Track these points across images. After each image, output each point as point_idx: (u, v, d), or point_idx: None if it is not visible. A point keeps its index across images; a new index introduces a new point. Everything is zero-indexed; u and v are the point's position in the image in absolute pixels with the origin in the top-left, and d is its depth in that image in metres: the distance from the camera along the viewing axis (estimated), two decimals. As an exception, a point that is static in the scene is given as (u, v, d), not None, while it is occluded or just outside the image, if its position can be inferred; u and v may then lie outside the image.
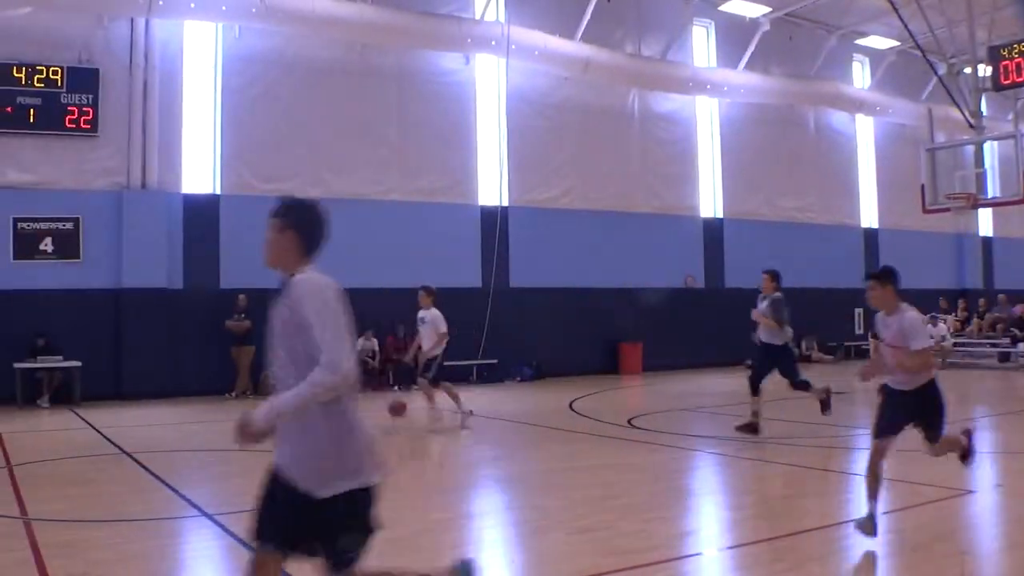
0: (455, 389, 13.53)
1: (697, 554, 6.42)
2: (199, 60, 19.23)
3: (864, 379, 6.61)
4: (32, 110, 17.91)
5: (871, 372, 6.59)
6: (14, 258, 17.79)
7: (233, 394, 18.26)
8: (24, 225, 17.94)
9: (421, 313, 13.05)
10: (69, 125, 18.14)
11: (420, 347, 13.34)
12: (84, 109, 18.19)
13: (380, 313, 19.57)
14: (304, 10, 18.69)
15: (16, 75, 17.79)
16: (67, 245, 18.17)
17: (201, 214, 19.00)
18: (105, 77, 18.28)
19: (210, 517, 7.38)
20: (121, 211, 18.33)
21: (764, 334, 11.12)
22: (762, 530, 6.79)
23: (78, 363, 17.26)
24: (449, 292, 19.64)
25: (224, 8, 18.28)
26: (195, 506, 7.83)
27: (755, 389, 11.21)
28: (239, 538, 6.34)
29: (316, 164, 19.69)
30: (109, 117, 18.29)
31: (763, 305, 11.20)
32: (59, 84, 18.02)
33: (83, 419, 15.05)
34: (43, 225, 18.06)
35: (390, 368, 19.82)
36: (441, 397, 13.53)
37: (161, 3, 17.70)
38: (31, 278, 17.69)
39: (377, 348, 19.76)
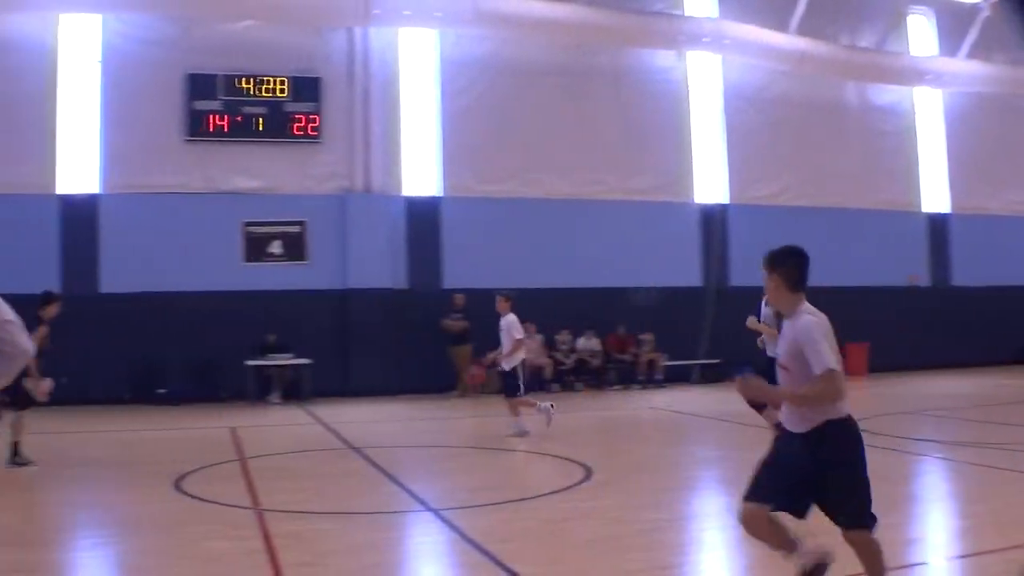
0: (527, 401, 12.34)
1: (922, 564, 5.89)
2: (417, 65, 19.69)
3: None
4: (259, 119, 18.71)
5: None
6: (244, 260, 18.50)
7: (456, 393, 18.28)
8: (253, 229, 18.65)
9: (501, 321, 12.24)
10: (295, 132, 18.87)
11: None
12: (311, 117, 18.85)
13: (600, 312, 19.38)
14: (517, 13, 18.94)
15: (243, 86, 18.65)
16: (295, 247, 18.77)
17: (423, 215, 19.32)
18: (326, 85, 18.95)
19: (435, 512, 7.44)
20: (345, 214, 18.83)
21: (770, 345, 8.99)
22: (992, 540, 6.14)
23: (307, 361, 17.71)
24: (670, 292, 19.36)
25: (439, 15, 18.71)
26: (420, 501, 7.93)
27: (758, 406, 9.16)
28: (463, 533, 6.60)
29: (533, 165, 19.78)
30: (331, 123, 18.92)
31: (767, 310, 9.28)
32: (283, 93, 18.78)
33: (312, 415, 15.40)
34: (271, 228, 18.74)
35: (612, 367, 19.54)
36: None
37: (377, 12, 18.26)
38: (261, 279, 18.34)
39: (599, 347, 19.51)
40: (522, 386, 12.20)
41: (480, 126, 19.49)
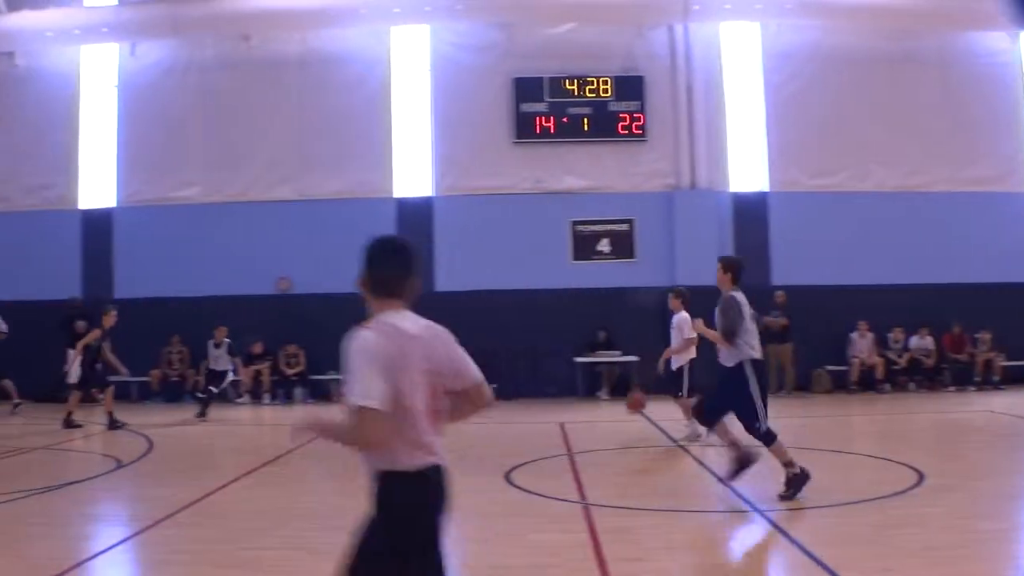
0: (687, 403, 11.66)
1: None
2: (739, 59, 19.74)
3: None
4: (584, 119, 19.16)
5: None
6: (573, 259, 18.93)
7: (783, 391, 17.96)
8: (581, 228, 19.07)
9: (673, 318, 11.86)
10: (620, 132, 19.19)
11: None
12: (635, 116, 19.19)
13: (933, 311, 18.78)
14: (838, 1, 18.78)
15: (568, 87, 19.15)
16: (622, 245, 19.05)
17: (750, 211, 19.25)
18: (649, 83, 19.21)
19: (760, 513, 7.36)
20: (672, 211, 18.99)
21: (722, 353, 8.21)
22: None
23: (634, 358, 17.80)
24: (1008, 288, 18.54)
25: (759, 7, 18.72)
26: (746, 500, 7.79)
27: (706, 421, 8.63)
28: (789, 535, 6.51)
29: (862, 157, 19.36)
30: (656, 121, 19.14)
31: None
32: (607, 93, 19.19)
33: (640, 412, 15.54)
34: (599, 227, 19.10)
35: (947, 367, 18.95)
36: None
37: (696, 8, 18.43)
38: (589, 277, 18.65)
39: (933, 346, 18.97)
40: (686, 388, 11.67)
41: (806, 118, 19.27)
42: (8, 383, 16.39)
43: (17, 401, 16.24)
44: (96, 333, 13.93)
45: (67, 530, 7.36)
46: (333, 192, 18.79)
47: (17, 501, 8.10)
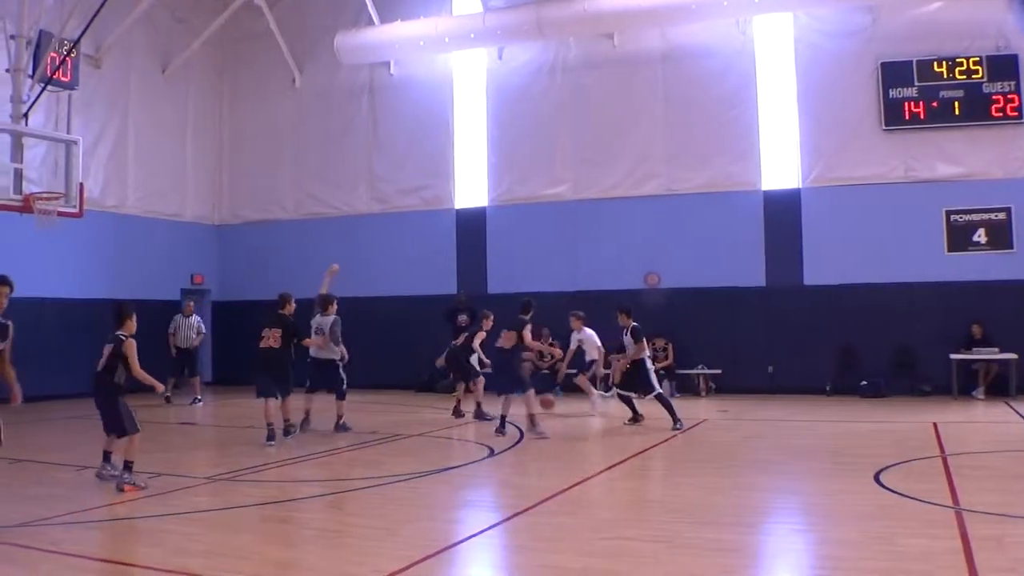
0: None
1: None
2: None
3: None
4: (955, 103, 19.48)
5: None
6: (947, 250, 19.39)
7: None
8: (956, 217, 19.48)
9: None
10: (994, 115, 19.37)
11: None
12: (1009, 97, 19.34)
13: None
14: None
15: (937, 70, 19.50)
16: (998, 235, 19.25)
17: None
18: (1025, 62, 19.27)
19: None
20: (1054, 198, 19.04)
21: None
22: None
23: (1013, 356, 17.89)
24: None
25: None
26: None
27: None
28: None
29: None
30: (1034, 102, 19.21)
31: None
32: (979, 75, 19.41)
33: (1018, 413, 15.53)
34: (974, 216, 19.46)
35: None
36: None
37: (1081, -23, 18.26)
38: (964, 269, 18.94)
39: None
40: None
41: None
42: (196, 380, 18.90)
43: (198, 397, 18.55)
44: (482, 336, 15.31)
45: (442, 513, 8.27)
46: (699, 186, 20.20)
47: (399, 483, 9.18)
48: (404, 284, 21.49)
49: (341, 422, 13.72)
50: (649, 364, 14.01)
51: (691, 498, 8.37)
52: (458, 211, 22.03)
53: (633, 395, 14.09)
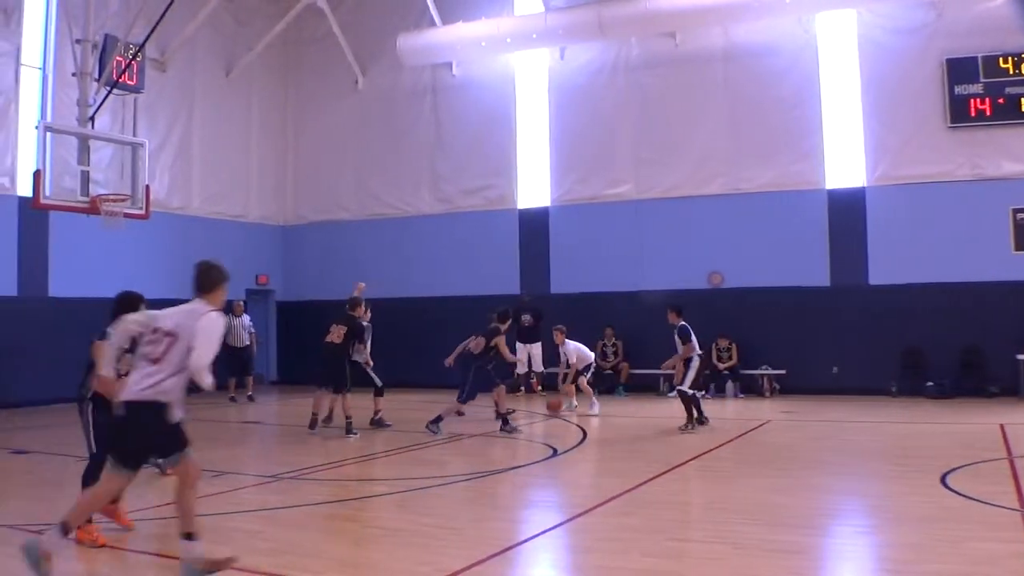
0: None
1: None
2: None
3: None
4: (1022, 99, 19.50)
5: None
6: (1014, 249, 19.38)
7: None
8: (1023, 216, 19.58)
9: None
10: (1060, 110, 19.42)
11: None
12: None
13: None
14: None
15: (1003, 66, 19.51)
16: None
17: None
18: (1083, 56, 19.22)
19: None
20: None
21: None
22: None
23: None
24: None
25: None
26: None
27: None
28: None
29: None
30: (1109, 97, 19.18)
31: None
32: (1044, 70, 19.43)
33: None
34: (1042, 214, 19.53)
35: None
36: None
37: None
38: (1027, 268, 18.94)
39: None
40: None
41: None
42: (249, 379, 19.94)
43: (250, 394, 19.70)
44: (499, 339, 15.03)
45: (506, 512, 8.51)
46: (762, 185, 20.39)
47: (462, 483, 9.52)
48: (467, 284, 21.94)
49: (377, 417, 14.41)
50: (694, 363, 13.94)
51: (755, 499, 8.48)
52: (521, 211, 22.40)
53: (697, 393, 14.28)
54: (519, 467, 10.62)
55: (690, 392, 13.78)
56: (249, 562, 6.17)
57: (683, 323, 14.04)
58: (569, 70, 22.05)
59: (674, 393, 15.59)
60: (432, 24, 22.47)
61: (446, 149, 23.23)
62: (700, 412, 14.26)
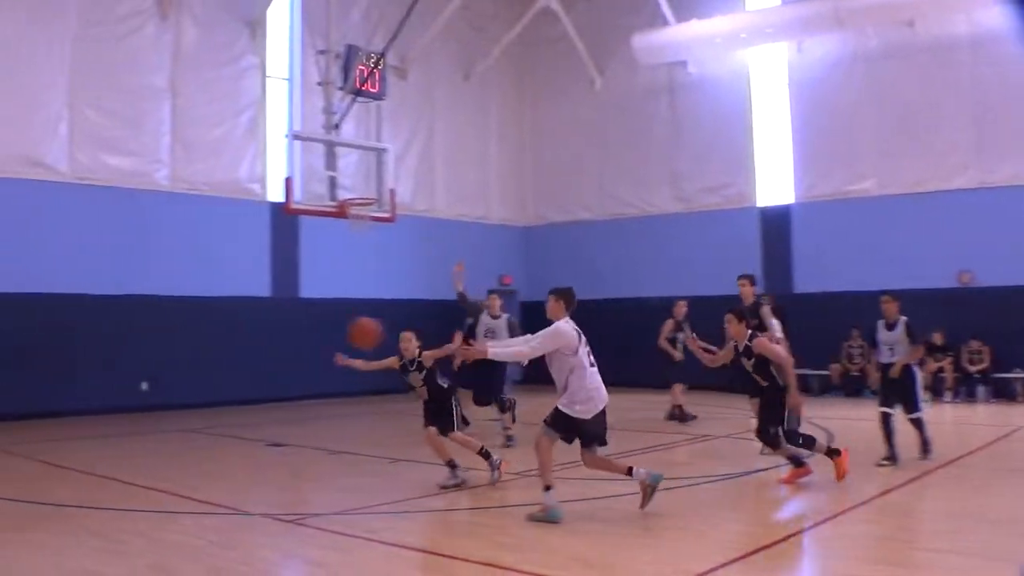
0: None
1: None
2: None
3: None
4: None
5: None
6: None
7: None
8: None
9: None
10: None
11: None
12: None
13: None
14: None
15: None
16: None
17: None
18: None
19: None
20: None
21: None
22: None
23: None
24: None
25: None
26: None
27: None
28: None
29: None
30: None
31: None
32: None
33: None
34: None
35: None
36: None
37: None
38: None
39: None
40: None
41: None
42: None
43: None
44: (669, 324, 16.41)
45: (748, 516, 8.68)
46: (1013, 177, 20.30)
47: (707, 485, 9.83)
48: (708, 284, 22.93)
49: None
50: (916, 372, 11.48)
51: (1010, 510, 8.43)
52: (761, 209, 23.42)
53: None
54: (763, 470, 10.76)
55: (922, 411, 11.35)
56: (494, 556, 6.76)
57: (905, 318, 11.46)
58: (806, 63, 22.74)
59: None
60: (665, 23, 23.64)
61: (684, 147, 24.44)
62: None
